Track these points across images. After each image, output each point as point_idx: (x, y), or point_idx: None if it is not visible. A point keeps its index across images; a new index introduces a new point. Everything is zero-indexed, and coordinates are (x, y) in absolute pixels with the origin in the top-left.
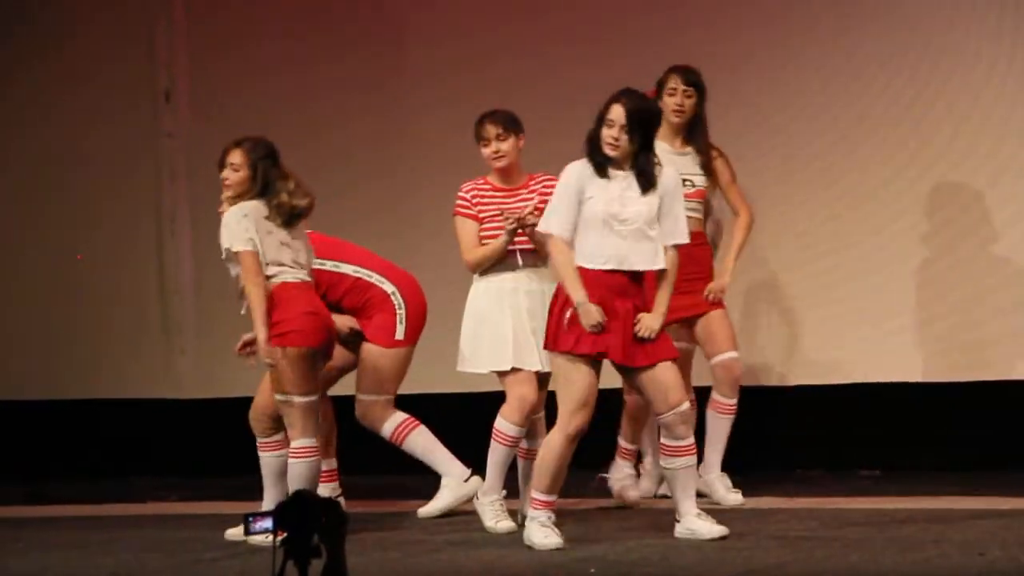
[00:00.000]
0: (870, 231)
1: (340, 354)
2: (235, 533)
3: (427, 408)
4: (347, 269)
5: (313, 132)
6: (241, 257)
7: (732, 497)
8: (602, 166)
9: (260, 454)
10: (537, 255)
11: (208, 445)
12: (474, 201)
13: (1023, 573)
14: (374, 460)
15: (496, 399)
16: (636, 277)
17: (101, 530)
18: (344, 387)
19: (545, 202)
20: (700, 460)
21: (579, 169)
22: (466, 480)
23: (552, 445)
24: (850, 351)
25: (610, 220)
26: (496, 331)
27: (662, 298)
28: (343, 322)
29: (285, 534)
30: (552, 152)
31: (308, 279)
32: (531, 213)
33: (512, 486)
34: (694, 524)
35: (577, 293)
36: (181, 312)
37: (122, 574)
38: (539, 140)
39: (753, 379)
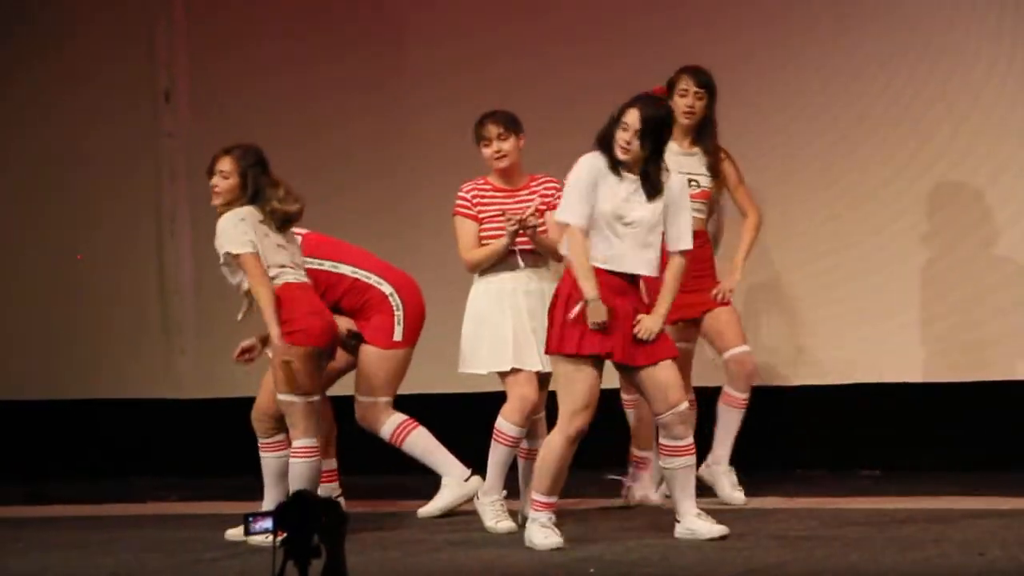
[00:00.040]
0: (870, 231)
1: (338, 355)
2: (235, 533)
3: (427, 408)
4: (345, 270)
5: (313, 132)
6: (243, 260)
7: (736, 496)
8: (615, 165)
9: (261, 455)
10: (537, 255)
11: (208, 445)
12: (474, 201)
13: (1022, 572)
14: (374, 460)
15: (496, 399)
16: (633, 279)
17: (101, 530)
18: (344, 387)
19: (546, 203)
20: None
21: (594, 162)
22: (466, 480)
23: (553, 446)
24: (850, 351)
25: (613, 221)
26: (496, 332)
27: (664, 301)
28: (341, 324)
29: (285, 534)
30: (552, 152)
31: (307, 280)
32: (532, 214)
33: (512, 486)
34: (694, 524)
35: (589, 288)
36: (181, 312)
37: (122, 574)
38: (539, 140)
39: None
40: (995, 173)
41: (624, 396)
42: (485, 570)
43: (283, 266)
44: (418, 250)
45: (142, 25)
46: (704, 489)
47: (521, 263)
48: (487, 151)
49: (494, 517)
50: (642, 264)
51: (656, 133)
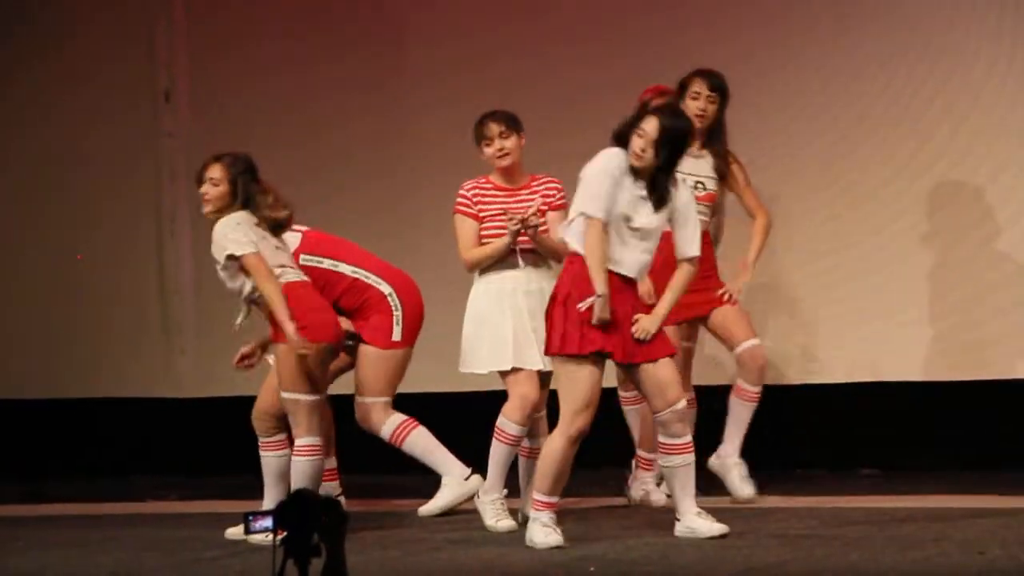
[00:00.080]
0: (870, 231)
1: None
2: (235, 532)
3: (427, 407)
4: (345, 269)
5: (313, 132)
6: (247, 261)
7: (745, 489)
8: (631, 167)
9: (262, 454)
10: (537, 255)
11: (207, 444)
12: (475, 200)
13: (1022, 572)
14: (374, 459)
15: (496, 398)
16: (628, 281)
17: (100, 529)
18: (342, 387)
19: (548, 204)
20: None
21: (619, 158)
22: (466, 479)
23: (554, 446)
24: (850, 351)
25: (621, 223)
26: (496, 331)
27: (665, 304)
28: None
29: (285, 533)
30: (552, 152)
31: (307, 278)
32: (534, 214)
33: (513, 485)
34: (694, 522)
35: (601, 283)
36: (181, 312)
37: (121, 573)
38: (539, 140)
39: None
40: (995, 173)
41: (622, 394)
42: (485, 569)
43: (284, 266)
44: (418, 250)
45: (142, 25)
46: (709, 487)
47: (520, 262)
48: (488, 150)
49: (494, 516)
50: (637, 268)
51: (672, 145)
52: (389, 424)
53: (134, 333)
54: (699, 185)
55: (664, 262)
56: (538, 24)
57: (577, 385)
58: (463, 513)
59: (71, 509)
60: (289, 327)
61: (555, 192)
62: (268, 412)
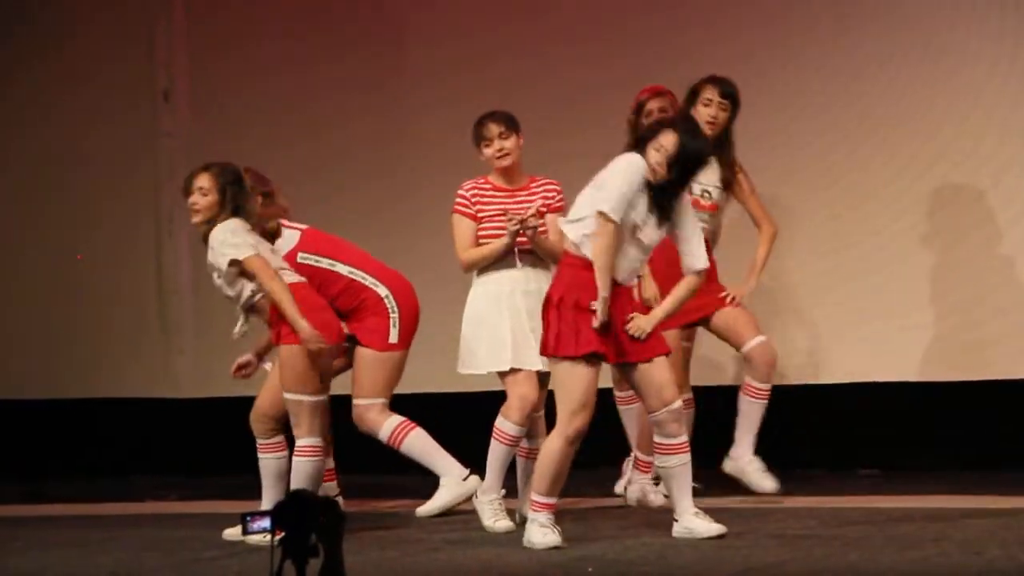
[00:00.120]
0: (870, 231)
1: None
2: (233, 532)
3: (426, 408)
4: (342, 269)
5: (313, 132)
6: (250, 263)
7: (767, 482)
8: (648, 183)
9: (260, 456)
10: (535, 256)
11: (206, 444)
12: (474, 200)
13: (1022, 572)
14: (372, 459)
15: (494, 398)
16: (619, 285)
17: (100, 529)
18: (339, 387)
19: (547, 206)
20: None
21: (641, 168)
22: (464, 479)
23: (552, 447)
24: (850, 351)
25: (626, 231)
26: (494, 332)
27: (665, 308)
28: None
29: (283, 533)
30: (552, 152)
31: (304, 280)
32: (533, 215)
33: (511, 485)
34: (692, 523)
35: (606, 285)
36: (179, 312)
37: (121, 573)
38: (539, 140)
39: None
40: (996, 173)
41: (617, 393)
42: (483, 569)
43: (282, 268)
44: (418, 249)
45: (141, 25)
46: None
47: (519, 262)
48: (488, 151)
49: (492, 516)
50: (628, 275)
51: (686, 164)
52: (387, 426)
53: (133, 333)
54: (705, 194)
55: (668, 263)
56: (538, 24)
57: (573, 386)
58: (461, 513)
59: (71, 509)
60: (302, 323)
61: (554, 194)
62: (267, 414)
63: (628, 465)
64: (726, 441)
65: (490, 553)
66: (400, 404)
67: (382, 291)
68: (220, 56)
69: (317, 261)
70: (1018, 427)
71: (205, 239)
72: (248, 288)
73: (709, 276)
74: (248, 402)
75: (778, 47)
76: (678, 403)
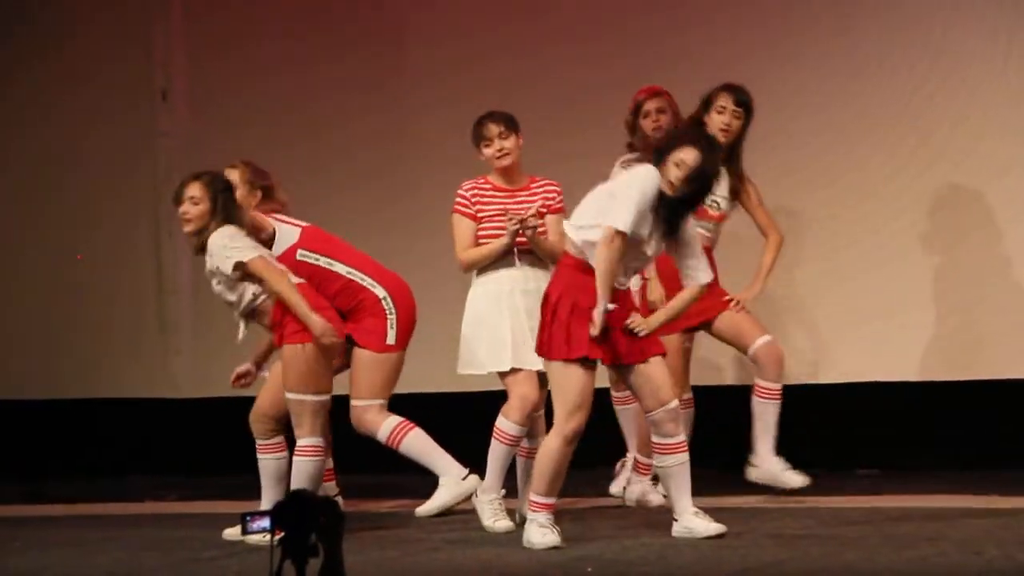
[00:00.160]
0: (869, 230)
1: None
2: (233, 532)
3: (425, 408)
4: (340, 269)
5: (312, 132)
6: (255, 265)
7: (797, 478)
8: (663, 197)
9: (259, 456)
10: (535, 255)
11: (205, 444)
12: (473, 200)
13: (1020, 572)
14: (371, 459)
15: (492, 398)
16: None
17: (98, 529)
18: (338, 387)
19: (547, 206)
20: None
21: (657, 181)
22: (464, 479)
23: (550, 447)
24: (849, 350)
25: (633, 242)
26: (494, 332)
27: (665, 313)
28: None
29: (283, 533)
30: (552, 152)
31: (303, 281)
32: (533, 215)
33: (511, 485)
34: (691, 522)
35: (606, 297)
36: (178, 312)
37: (119, 573)
38: (539, 140)
39: (751, 378)
40: (995, 172)
41: (614, 394)
42: (483, 569)
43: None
44: (418, 249)
45: (140, 25)
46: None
47: (518, 261)
48: (488, 151)
49: (492, 516)
50: (626, 281)
51: (705, 181)
52: (385, 427)
53: (132, 333)
54: (714, 204)
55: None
56: (538, 24)
57: (569, 386)
58: (461, 513)
59: (69, 509)
60: (314, 318)
61: (554, 195)
62: (267, 414)
63: (621, 466)
64: (725, 441)
65: (490, 553)
66: (399, 404)
67: (380, 292)
68: (218, 56)
69: (316, 259)
70: (1017, 427)
71: (199, 250)
72: (250, 292)
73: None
74: (247, 402)
75: (776, 47)
76: (674, 403)
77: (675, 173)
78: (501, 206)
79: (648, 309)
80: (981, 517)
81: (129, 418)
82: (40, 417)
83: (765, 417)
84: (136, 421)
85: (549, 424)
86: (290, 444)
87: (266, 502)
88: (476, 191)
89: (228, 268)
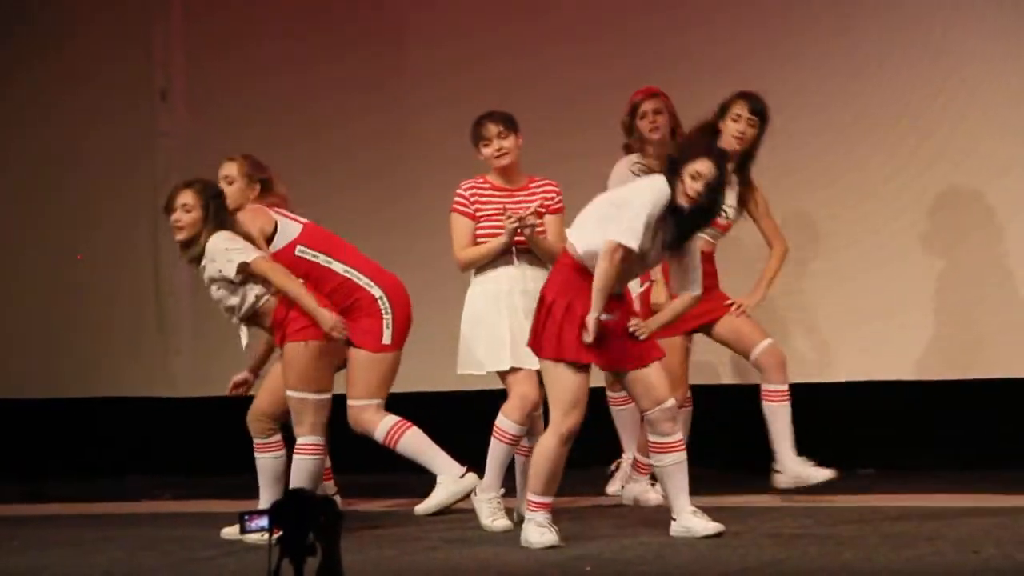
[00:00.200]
0: (869, 230)
1: None
2: (231, 532)
3: (423, 407)
4: (337, 267)
5: (312, 132)
6: (259, 265)
7: (824, 472)
8: (674, 210)
9: (257, 456)
10: (533, 253)
11: (204, 444)
12: (472, 200)
13: (1018, 571)
14: (369, 458)
15: (490, 397)
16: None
17: (97, 528)
18: (335, 386)
19: (546, 206)
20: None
21: (666, 195)
22: (461, 477)
23: (546, 446)
24: (848, 350)
25: (636, 252)
26: (493, 332)
27: (661, 318)
28: None
29: (281, 532)
30: (552, 152)
31: (301, 281)
32: (532, 214)
33: (510, 484)
34: (689, 522)
35: (600, 307)
36: (177, 312)
37: (117, 572)
38: (539, 140)
39: (749, 377)
40: (994, 171)
41: (610, 394)
42: (481, 569)
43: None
44: (417, 248)
45: (139, 25)
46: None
47: (516, 260)
48: (487, 150)
49: (490, 515)
50: (622, 287)
51: (718, 192)
52: (382, 426)
53: (131, 333)
54: (723, 213)
55: None
56: (538, 24)
57: (563, 386)
58: (459, 512)
59: (68, 509)
60: (323, 312)
61: (553, 195)
62: (265, 413)
63: (616, 467)
64: (724, 441)
65: (488, 552)
66: (398, 403)
67: (376, 292)
68: (218, 56)
69: (315, 256)
70: (1017, 426)
71: (193, 259)
72: (252, 294)
73: (711, 284)
74: (246, 402)
75: (776, 47)
76: (670, 401)
77: (694, 186)
78: (500, 206)
79: (651, 312)
80: (979, 516)
81: (128, 418)
82: (39, 416)
83: (778, 421)
84: (135, 421)
85: (547, 424)
86: (288, 443)
87: (264, 501)
88: (475, 190)
89: (232, 270)
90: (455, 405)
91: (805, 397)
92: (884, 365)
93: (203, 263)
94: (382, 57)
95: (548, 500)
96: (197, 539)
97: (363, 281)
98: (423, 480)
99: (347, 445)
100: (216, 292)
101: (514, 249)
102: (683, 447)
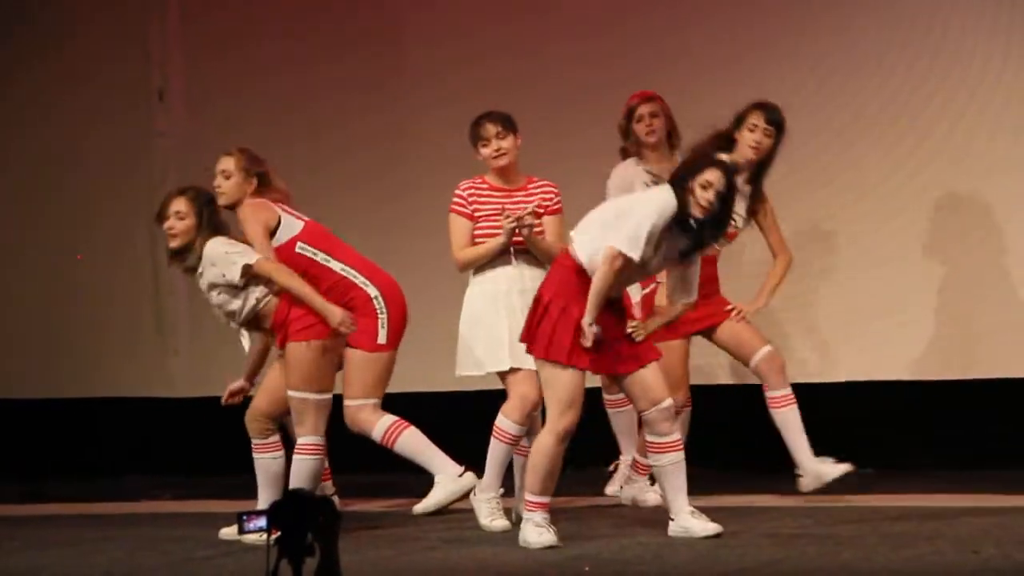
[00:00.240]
0: (868, 229)
1: None
2: (229, 532)
3: (421, 407)
4: (335, 265)
5: (312, 132)
6: (262, 266)
7: (840, 466)
8: (681, 222)
9: (255, 456)
10: (531, 254)
11: (202, 444)
12: (470, 200)
13: (1017, 571)
14: (367, 458)
15: (490, 397)
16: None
17: (96, 528)
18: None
19: (544, 207)
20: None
21: (671, 207)
22: (460, 476)
23: (543, 445)
24: (847, 350)
25: (642, 262)
26: (492, 332)
27: (656, 320)
28: None
29: (279, 533)
30: (552, 152)
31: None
32: (530, 214)
33: (508, 485)
34: (688, 522)
35: (594, 314)
36: (175, 312)
37: (116, 572)
38: (538, 140)
39: (747, 377)
40: (994, 171)
41: (607, 396)
42: (480, 569)
43: None
44: (417, 248)
45: (138, 25)
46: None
47: (514, 259)
48: (485, 151)
49: (489, 515)
50: (620, 292)
51: (730, 202)
52: (380, 426)
53: (129, 333)
54: (731, 222)
55: None
56: (538, 24)
57: (559, 384)
58: (457, 512)
59: (67, 509)
60: (331, 308)
61: (552, 196)
62: (264, 413)
63: (614, 468)
64: (723, 440)
65: (486, 552)
66: (397, 404)
67: (372, 291)
68: (216, 56)
69: (314, 254)
70: (1016, 426)
71: (190, 268)
72: (253, 297)
73: (713, 289)
74: (244, 402)
75: (775, 46)
76: (667, 401)
77: (705, 195)
78: (498, 206)
79: (654, 313)
80: (978, 516)
81: (127, 418)
82: (38, 416)
83: (789, 425)
84: (134, 421)
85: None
86: (286, 443)
87: (262, 502)
88: (473, 191)
89: (236, 273)
90: (454, 405)
91: (805, 397)
92: (883, 365)
93: (200, 269)
94: (382, 57)
95: (546, 500)
96: (195, 539)
97: (359, 280)
98: (421, 480)
99: (345, 445)
100: (216, 297)
101: (512, 249)
102: (681, 447)
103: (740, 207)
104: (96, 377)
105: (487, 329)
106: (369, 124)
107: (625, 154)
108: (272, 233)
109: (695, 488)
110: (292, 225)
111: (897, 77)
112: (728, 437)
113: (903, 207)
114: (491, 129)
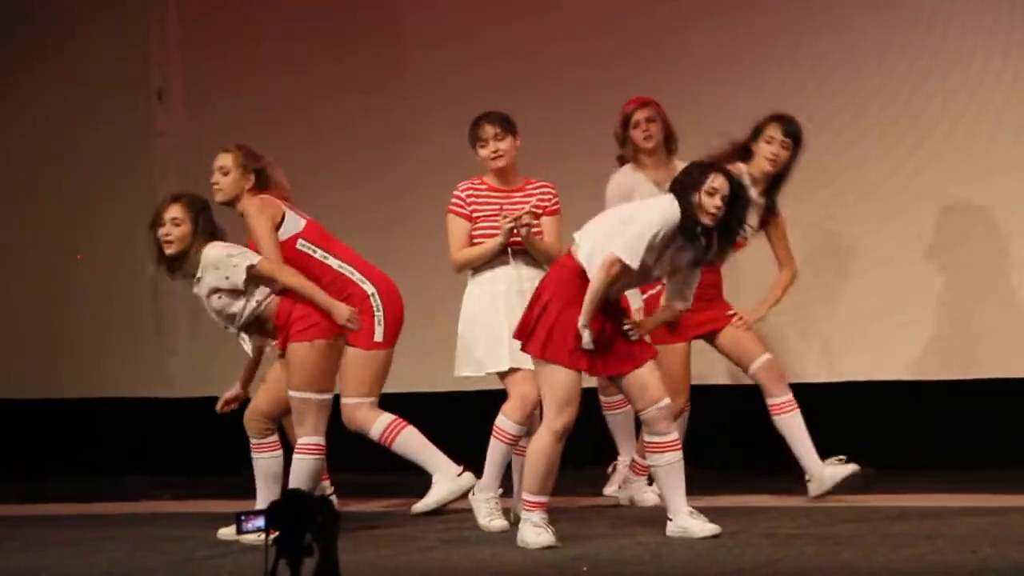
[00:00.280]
0: (867, 229)
1: None
2: (228, 532)
3: (420, 407)
4: (333, 263)
5: (312, 132)
6: (264, 266)
7: (849, 466)
8: (690, 231)
9: (254, 456)
10: (529, 254)
11: (201, 444)
12: (468, 201)
13: (1016, 570)
14: (366, 458)
15: (489, 397)
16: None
17: (96, 528)
18: None
19: (543, 208)
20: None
21: (674, 217)
22: (458, 475)
23: (540, 445)
24: (845, 349)
25: (642, 270)
26: (491, 332)
27: (651, 321)
28: None
29: (277, 533)
30: (551, 152)
31: None
32: (528, 214)
33: (507, 484)
34: (686, 522)
35: (590, 318)
36: (175, 313)
37: (115, 572)
38: (538, 140)
39: (745, 378)
40: (994, 171)
41: (603, 399)
42: (478, 569)
43: None
44: (416, 248)
45: (137, 25)
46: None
47: (512, 259)
48: (484, 152)
49: (488, 515)
50: (616, 296)
51: (733, 207)
52: (378, 425)
53: (129, 333)
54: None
55: None
56: (538, 24)
57: (555, 383)
58: (456, 512)
59: (67, 509)
60: (337, 304)
61: (550, 197)
62: (263, 413)
63: (612, 469)
64: (723, 440)
65: (485, 552)
66: (396, 403)
67: (368, 289)
68: (215, 55)
69: (313, 251)
70: (1016, 426)
71: (187, 275)
72: (254, 299)
73: (716, 293)
74: (243, 402)
75: (775, 45)
76: (665, 400)
77: (712, 201)
78: (496, 207)
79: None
80: (978, 515)
81: (126, 418)
82: (38, 416)
83: (793, 431)
84: (133, 421)
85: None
86: (284, 443)
87: (261, 502)
88: (471, 191)
89: (240, 275)
90: (453, 405)
91: (805, 397)
92: (883, 365)
93: (198, 275)
94: (381, 57)
95: (544, 499)
96: (194, 539)
97: (356, 277)
98: (420, 480)
99: (343, 445)
100: (217, 302)
101: (509, 250)
102: (679, 447)
103: (752, 219)
104: (96, 377)
105: (487, 329)
106: (369, 124)
107: (623, 161)
108: (276, 228)
109: (693, 488)
110: (295, 222)
111: (897, 77)
112: (726, 437)
113: (903, 207)
114: (489, 130)
